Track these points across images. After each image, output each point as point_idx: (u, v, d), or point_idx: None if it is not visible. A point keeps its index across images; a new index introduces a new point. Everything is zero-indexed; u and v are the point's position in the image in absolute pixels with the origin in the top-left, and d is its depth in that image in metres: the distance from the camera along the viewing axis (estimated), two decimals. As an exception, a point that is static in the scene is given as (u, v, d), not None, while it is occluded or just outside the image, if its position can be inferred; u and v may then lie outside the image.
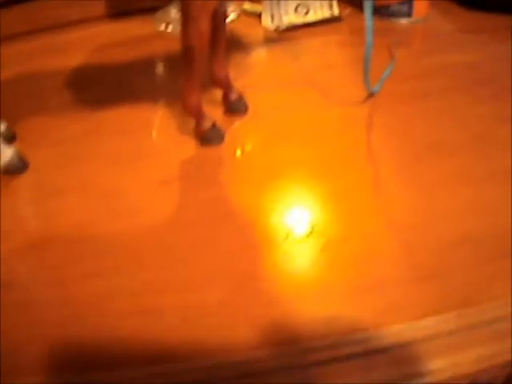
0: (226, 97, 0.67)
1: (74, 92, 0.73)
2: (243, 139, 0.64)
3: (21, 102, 0.72)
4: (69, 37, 0.87)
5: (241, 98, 0.67)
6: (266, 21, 0.86)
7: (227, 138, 0.63)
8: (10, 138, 0.61)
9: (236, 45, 0.79)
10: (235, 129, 0.66)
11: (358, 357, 0.42)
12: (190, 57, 0.56)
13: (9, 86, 0.71)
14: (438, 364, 0.41)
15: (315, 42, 0.82)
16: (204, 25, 0.54)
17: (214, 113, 0.64)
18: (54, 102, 0.72)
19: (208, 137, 0.62)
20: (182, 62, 0.57)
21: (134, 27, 0.87)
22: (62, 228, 0.53)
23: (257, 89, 0.70)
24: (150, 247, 0.50)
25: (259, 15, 0.87)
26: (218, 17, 0.58)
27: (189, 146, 0.62)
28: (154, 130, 0.67)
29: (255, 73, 0.78)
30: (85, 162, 0.61)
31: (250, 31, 0.85)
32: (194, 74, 0.58)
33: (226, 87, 0.66)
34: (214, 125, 0.62)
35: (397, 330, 0.43)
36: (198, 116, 0.61)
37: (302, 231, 0.50)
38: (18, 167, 0.59)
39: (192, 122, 0.62)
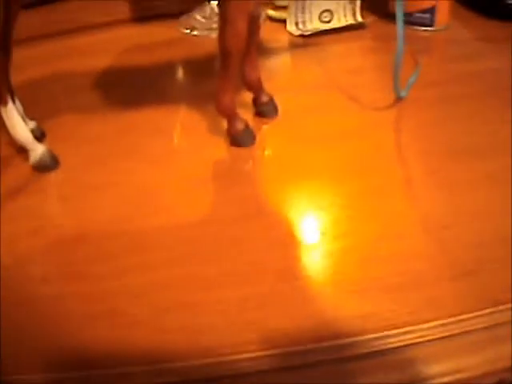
0: (256, 99, 0.67)
1: (102, 93, 0.74)
2: (274, 141, 0.65)
3: (49, 101, 0.72)
4: (94, 39, 0.88)
5: (271, 100, 0.67)
6: (291, 27, 0.87)
7: (258, 139, 0.64)
8: (39, 137, 0.61)
9: (262, 49, 0.79)
10: (266, 131, 0.66)
11: (393, 352, 0.41)
12: (226, 58, 0.57)
13: (36, 86, 0.72)
14: (473, 360, 0.41)
15: (339, 48, 0.84)
16: (241, 26, 0.55)
17: (244, 115, 0.64)
18: (83, 102, 0.72)
19: (240, 138, 0.62)
20: (219, 63, 0.58)
21: (158, 31, 0.88)
22: (95, 224, 0.53)
23: (284, 92, 0.71)
24: (184, 243, 0.50)
25: (284, 21, 0.88)
26: (253, 19, 0.59)
27: (220, 147, 0.63)
28: (185, 131, 0.68)
29: (282, 77, 0.79)
30: (117, 160, 0.61)
31: (275, 37, 0.86)
32: (230, 75, 0.59)
33: (258, 89, 0.66)
34: (246, 126, 0.62)
35: (433, 326, 0.42)
36: (232, 117, 0.62)
37: (336, 230, 0.50)
38: (49, 165, 0.59)
39: (223, 124, 0.63)
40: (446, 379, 0.41)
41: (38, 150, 0.59)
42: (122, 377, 0.41)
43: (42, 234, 0.53)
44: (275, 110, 0.67)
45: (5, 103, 0.56)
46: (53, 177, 0.60)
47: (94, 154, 0.63)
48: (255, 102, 0.67)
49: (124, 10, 0.92)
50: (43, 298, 0.47)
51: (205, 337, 0.43)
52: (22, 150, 0.60)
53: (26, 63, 0.73)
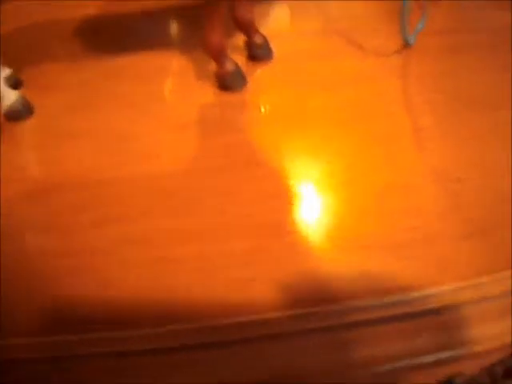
0: (250, 41, 0.63)
1: (84, 41, 0.69)
2: (268, 85, 0.60)
3: (29, 51, 0.68)
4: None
5: (266, 42, 0.63)
6: None
7: (250, 83, 0.59)
8: (15, 85, 0.59)
9: None
10: (259, 75, 0.61)
11: (402, 319, 0.36)
12: None
13: (15, 37, 0.68)
14: (490, 330, 0.37)
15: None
16: None
17: (236, 59, 0.60)
18: (64, 51, 0.68)
19: (230, 80, 0.58)
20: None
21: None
22: (71, 174, 0.50)
23: (281, 37, 0.66)
24: (165, 194, 0.46)
25: None
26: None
27: (208, 91, 0.59)
28: (171, 75, 0.63)
29: (279, 22, 0.74)
30: (97, 106, 0.58)
31: None
32: (218, 11, 0.55)
33: (251, 31, 0.62)
34: (236, 68, 0.58)
35: (447, 291, 0.37)
36: (220, 57, 0.57)
37: (334, 181, 0.45)
38: (22, 112, 0.57)
39: (212, 68, 0.59)
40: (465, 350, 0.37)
41: (10, 97, 0.57)
42: (89, 341, 0.36)
43: (16, 185, 0.50)
44: (270, 53, 0.63)
45: None
46: (27, 125, 0.57)
47: (73, 101, 0.59)
48: (248, 44, 0.63)
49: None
50: (15, 252, 0.44)
51: (179, 298, 0.38)
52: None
53: (6, 16, 0.69)
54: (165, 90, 0.59)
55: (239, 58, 0.60)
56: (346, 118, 0.53)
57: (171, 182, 0.46)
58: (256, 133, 0.52)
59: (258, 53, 0.62)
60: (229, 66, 0.56)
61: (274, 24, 0.70)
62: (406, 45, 0.61)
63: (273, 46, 0.62)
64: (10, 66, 0.58)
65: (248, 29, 0.60)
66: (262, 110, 0.55)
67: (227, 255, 0.40)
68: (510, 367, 0.43)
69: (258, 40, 0.61)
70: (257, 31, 0.60)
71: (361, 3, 0.74)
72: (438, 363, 0.37)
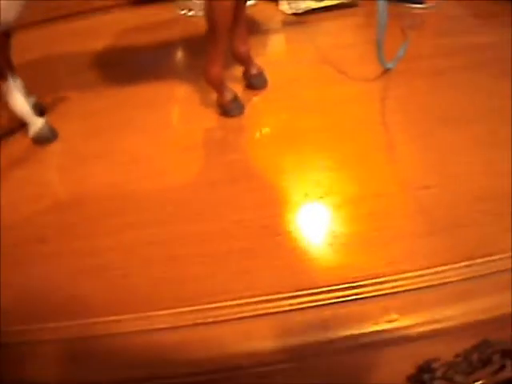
0: (246, 72, 0.69)
1: (101, 71, 0.76)
2: (263, 110, 0.67)
3: (50, 80, 0.75)
4: (91, 23, 0.91)
5: (261, 72, 0.69)
6: (284, 5, 0.89)
7: (248, 109, 0.66)
8: (40, 112, 0.64)
9: (255, 28, 0.83)
10: (256, 101, 0.68)
11: (371, 301, 0.43)
12: (214, 32, 0.59)
13: (38, 66, 0.75)
14: (450, 311, 0.43)
15: (332, 25, 0.85)
16: (228, 2, 0.57)
17: (235, 88, 0.66)
18: (82, 80, 0.75)
19: (230, 108, 0.64)
20: (208, 36, 0.60)
21: (155, 13, 0.90)
22: (91, 189, 0.56)
23: (275, 66, 0.73)
24: (173, 204, 0.53)
25: (276, 0, 0.90)
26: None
27: (211, 117, 0.65)
28: (177, 104, 0.70)
29: (274, 52, 0.82)
30: (113, 132, 0.64)
31: (267, 15, 0.88)
32: (218, 47, 0.60)
33: (248, 62, 0.68)
34: (235, 96, 0.64)
35: (409, 277, 0.44)
36: (221, 87, 0.64)
37: (319, 191, 0.52)
38: (48, 137, 0.62)
39: (214, 97, 0.65)
40: (422, 329, 0.43)
41: (37, 123, 0.62)
42: (115, 323, 0.43)
43: (41, 200, 0.56)
44: (265, 82, 0.69)
45: (5, 79, 0.59)
46: (52, 148, 0.63)
47: (91, 127, 0.65)
48: (245, 74, 0.69)
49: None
50: (42, 256, 0.50)
51: (190, 286, 0.45)
52: (23, 125, 0.63)
53: (28, 45, 0.75)
54: (173, 115, 0.67)
55: (238, 87, 0.67)
56: (331, 136, 0.59)
57: (178, 194, 0.53)
58: (253, 151, 0.59)
59: (254, 82, 0.68)
60: (228, 96, 0.62)
61: (270, 54, 0.78)
62: (386, 70, 0.67)
63: (268, 73, 0.68)
64: (32, 93, 0.64)
65: (244, 60, 0.66)
66: (258, 132, 0.61)
67: (227, 253, 0.47)
68: (485, 355, 0.49)
69: (253, 71, 0.68)
70: (252, 62, 0.67)
71: (351, 34, 0.82)
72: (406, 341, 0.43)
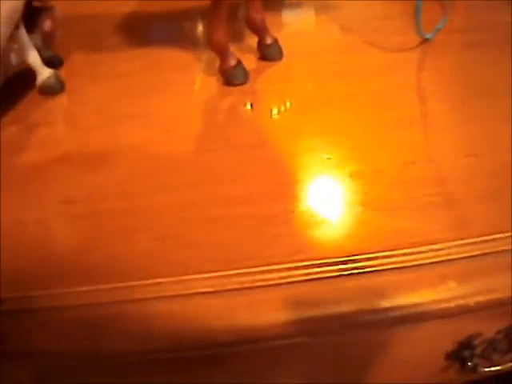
0: (261, 42, 0.67)
1: (127, 34, 0.74)
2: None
3: (73, 41, 0.73)
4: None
5: (276, 42, 0.66)
6: None
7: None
8: (56, 65, 0.65)
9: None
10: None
11: (425, 268, 0.40)
12: None
13: (61, 28, 0.70)
14: (506, 280, 0.40)
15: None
16: None
17: (249, 59, 0.65)
18: (108, 42, 0.73)
19: (233, 74, 0.62)
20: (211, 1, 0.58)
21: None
22: (124, 148, 0.53)
23: (303, 35, 0.73)
24: (212, 166, 0.50)
25: None
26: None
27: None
28: (208, 67, 0.67)
29: (299, 23, 0.79)
30: (145, 93, 0.62)
31: None
32: (219, 11, 0.58)
33: (262, 31, 0.66)
34: (238, 62, 0.62)
35: (465, 244, 0.41)
36: (223, 53, 0.61)
37: (363, 155, 0.51)
38: (55, 87, 0.62)
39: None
40: (478, 298, 0.40)
41: (44, 73, 0.62)
42: (152, 286, 0.41)
43: (69, 160, 0.53)
44: (280, 52, 0.67)
45: (16, 27, 0.58)
46: (83, 109, 0.61)
47: (122, 89, 0.64)
48: (260, 44, 0.66)
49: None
50: (70, 217, 0.46)
51: (231, 249, 0.42)
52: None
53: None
54: (204, 79, 0.65)
55: (251, 58, 0.65)
56: (366, 103, 0.56)
57: (216, 155, 0.51)
58: (282, 117, 0.57)
59: (269, 52, 0.66)
60: (231, 62, 0.60)
61: (296, 24, 0.76)
62: (425, 41, 0.65)
63: (295, 42, 0.67)
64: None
65: (259, 29, 0.64)
66: (291, 97, 0.59)
67: (267, 216, 0.44)
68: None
69: (268, 41, 0.65)
70: (267, 32, 0.64)
71: (384, 6, 0.79)
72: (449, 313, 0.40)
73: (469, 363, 0.46)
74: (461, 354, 0.47)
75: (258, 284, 0.39)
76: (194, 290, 0.39)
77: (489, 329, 0.45)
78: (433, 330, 0.44)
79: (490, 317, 0.44)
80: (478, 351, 0.47)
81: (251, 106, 0.59)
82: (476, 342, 0.46)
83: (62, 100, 0.63)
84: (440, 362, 0.48)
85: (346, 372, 0.47)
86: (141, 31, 0.76)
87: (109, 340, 0.37)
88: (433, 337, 0.45)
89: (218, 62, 0.63)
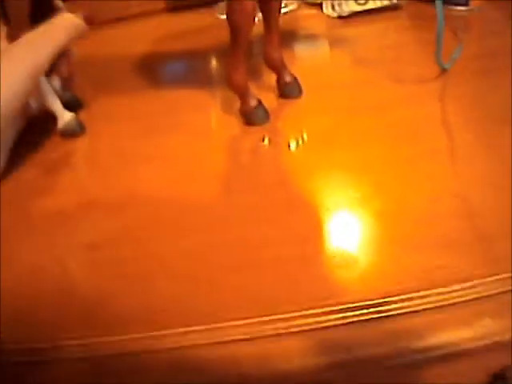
0: (279, 79, 0.66)
1: (142, 77, 0.76)
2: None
3: (91, 83, 0.75)
4: (130, 29, 0.90)
5: (295, 80, 0.66)
6: (328, 9, 0.89)
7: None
8: (76, 107, 0.67)
9: (297, 32, 0.83)
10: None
11: (460, 307, 0.39)
12: (235, 35, 0.57)
13: (79, 71, 0.72)
14: None
15: (377, 27, 0.84)
16: (248, 2, 0.55)
17: (268, 97, 0.64)
18: (125, 83, 0.75)
19: (253, 116, 0.62)
20: (229, 41, 0.58)
21: (195, 18, 0.91)
22: (145, 191, 0.53)
23: (321, 69, 0.73)
24: (238, 208, 0.50)
25: (320, 5, 0.91)
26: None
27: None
28: (224, 107, 0.68)
29: (320, 56, 0.80)
30: (162, 134, 0.62)
31: (311, 19, 0.89)
32: (239, 50, 0.58)
33: (280, 69, 0.66)
34: (259, 103, 0.61)
35: (500, 279, 0.40)
36: (243, 93, 0.61)
37: (391, 193, 0.50)
38: (75, 130, 0.64)
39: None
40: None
41: (65, 117, 0.63)
42: (183, 335, 0.40)
43: (90, 204, 0.53)
44: (299, 89, 0.66)
45: None
46: (102, 151, 0.62)
47: (139, 129, 0.64)
48: (278, 82, 0.66)
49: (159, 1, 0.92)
50: (94, 263, 0.46)
51: (263, 294, 0.41)
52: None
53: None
54: (221, 119, 0.65)
55: (271, 96, 0.65)
56: (389, 138, 0.56)
57: (241, 197, 0.50)
58: (300, 154, 0.57)
59: (288, 90, 0.65)
60: (252, 103, 0.60)
61: (314, 58, 0.77)
62: (443, 70, 0.65)
63: (313, 77, 0.67)
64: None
65: (277, 67, 0.64)
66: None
67: (297, 258, 0.44)
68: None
69: (287, 78, 0.65)
70: (286, 69, 0.64)
71: (398, 35, 0.80)
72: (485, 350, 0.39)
73: (504, 395, 0.45)
74: (496, 385, 0.44)
75: (293, 330, 0.38)
76: (227, 338, 0.38)
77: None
78: (468, 364, 0.42)
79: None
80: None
81: (269, 140, 0.59)
82: (509, 373, 0.43)
83: (82, 142, 0.64)
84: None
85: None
86: (156, 71, 0.78)
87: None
88: (467, 372, 0.43)
89: (234, 101, 0.63)
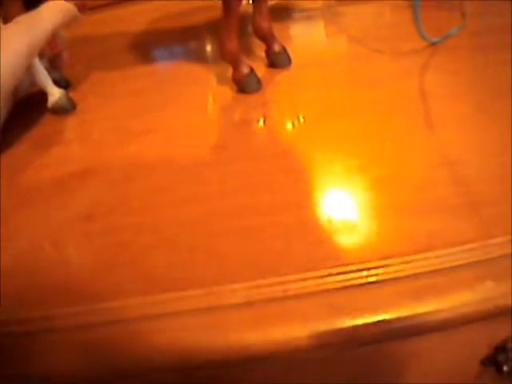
0: (269, 50, 0.67)
1: (135, 53, 0.75)
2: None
3: (81, 62, 0.74)
4: (125, 11, 0.90)
5: (284, 50, 0.66)
6: None
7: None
8: (64, 86, 0.65)
9: (287, 11, 0.82)
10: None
11: (461, 269, 0.39)
12: (226, 5, 0.57)
13: (73, 49, 0.71)
14: None
15: (373, 6, 0.83)
16: None
17: (257, 67, 0.64)
18: (117, 61, 0.73)
19: (246, 83, 0.62)
20: (221, 11, 0.58)
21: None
22: (144, 162, 0.53)
23: (309, 47, 0.72)
24: (235, 177, 0.49)
25: None
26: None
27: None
28: (223, 80, 0.67)
29: (306, 35, 0.78)
30: (161, 108, 0.62)
31: None
32: (231, 21, 0.58)
33: (269, 39, 0.66)
34: (251, 70, 0.62)
35: (501, 242, 0.40)
36: (236, 62, 0.61)
37: (388, 160, 0.49)
38: (66, 107, 0.63)
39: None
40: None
41: (55, 94, 0.63)
42: (183, 300, 0.39)
43: (88, 177, 0.52)
44: (288, 59, 0.66)
45: None
46: (99, 126, 0.60)
47: (138, 105, 0.63)
48: (268, 52, 0.66)
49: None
50: (97, 234, 0.45)
51: (264, 259, 0.40)
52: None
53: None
54: (220, 91, 0.64)
55: (260, 66, 0.65)
56: (383, 109, 0.56)
57: (239, 166, 0.50)
58: (291, 127, 0.56)
59: (277, 60, 0.66)
60: (244, 70, 0.60)
61: (303, 36, 0.76)
62: (435, 46, 0.65)
63: (302, 56, 0.66)
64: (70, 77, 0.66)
65: (266, 37, 0.64)
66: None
67: (299, 223, 0.43)
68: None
69: (276, 48, 0.65)
70: (274, 39, 0.64)
71: (390, 14, 0.79)
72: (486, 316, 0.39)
73: (504, 367, 0.45)
74: (495, 358, 0.45)
75: (290, 293, 0.37)
76: (226, 302, 0.37)
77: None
78: (468, 335, 0.42)
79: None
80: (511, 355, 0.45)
81: (264, 120, 0.58)
82: (510, 344, 0.44)
83: (75, 119, 0.62)
84: (475, 368, 0.46)
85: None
86: (150, 49, 0.77)
87: (145, 356, 0.36)
88: (468, 343, 0.43)
89: (229, 73, 0.63)
